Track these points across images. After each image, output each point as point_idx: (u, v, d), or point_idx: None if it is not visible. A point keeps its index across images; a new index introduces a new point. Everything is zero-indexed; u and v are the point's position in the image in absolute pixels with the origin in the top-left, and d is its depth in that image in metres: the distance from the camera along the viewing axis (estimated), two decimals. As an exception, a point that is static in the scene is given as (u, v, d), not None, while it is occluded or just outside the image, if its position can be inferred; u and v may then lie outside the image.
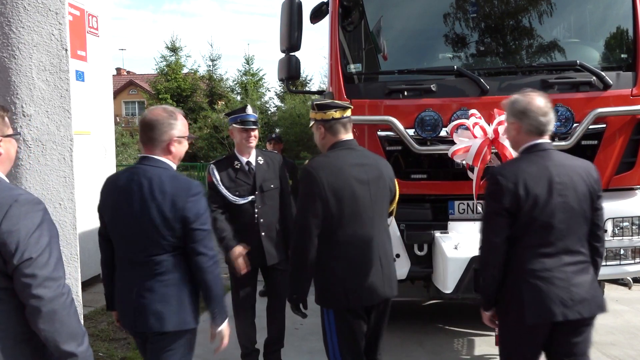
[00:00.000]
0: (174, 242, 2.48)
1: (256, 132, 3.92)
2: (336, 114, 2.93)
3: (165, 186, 2.47)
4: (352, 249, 2.81)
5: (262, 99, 24.70)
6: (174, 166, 2.62)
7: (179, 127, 2.60)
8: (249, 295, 4.00)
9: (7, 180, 2.16)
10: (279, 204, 3.96)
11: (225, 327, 2.68)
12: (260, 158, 3.96)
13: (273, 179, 3.94)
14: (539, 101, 2.64)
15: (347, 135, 2.97)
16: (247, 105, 4.00)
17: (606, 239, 4.12)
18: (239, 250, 3.75)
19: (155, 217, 2.45)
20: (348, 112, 2.98)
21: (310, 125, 3.08)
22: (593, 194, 2.64)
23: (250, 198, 3.85)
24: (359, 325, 2.87)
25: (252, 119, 3.89)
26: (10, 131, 2.16)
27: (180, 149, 2.64)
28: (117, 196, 2.56)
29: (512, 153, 3.88)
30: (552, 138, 4.06)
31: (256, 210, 3.85)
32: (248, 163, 3.92)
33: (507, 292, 2.64)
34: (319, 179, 2.78)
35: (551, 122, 2.65)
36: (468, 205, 4.33)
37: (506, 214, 2.55)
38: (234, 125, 3.91)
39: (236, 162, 3.91)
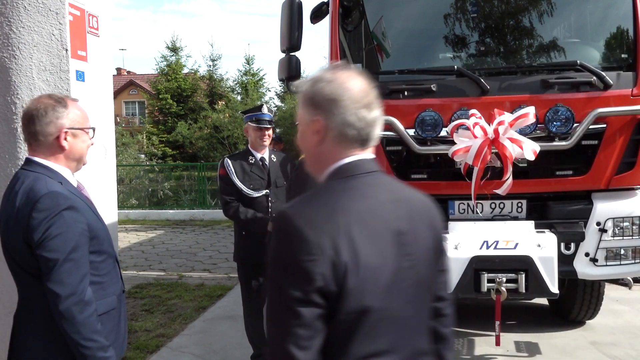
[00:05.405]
0: (30, 269, 1.99)
1: (270, 132, 4.13)
2: None
3: (18, 196, 1.99)
4: None
5: (262, 99, 24.72)
6: (65, 172, 2.11)
7: (71, 116, 2.09)
8: (261, 295, 4.03)
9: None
10: (285, 201, 4.04)
11: None
12: (273, 156, 4.20)
13: (283, 176, 4.14)
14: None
15: None
16: (263, 105, 4.22)
17: (606, 239, 4.13)
18: None
19: (5, 237, 2.03)
20: None
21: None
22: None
23: (264, 192, 4.01)
24: None
25: (267, 119, 4.08)
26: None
27: (77, 144, 2.11)
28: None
29: (512, 153, 3.88)
30: (553, 138, 4.09)
31: (270, 204, 3.98)
32: (262, 159, 4.11)
33: None
34: None
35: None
36: (468, 205, 4.32)
37: None
38: (249, 123, 4.09)
39: (250, 157, 4.11)
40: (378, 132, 1.39)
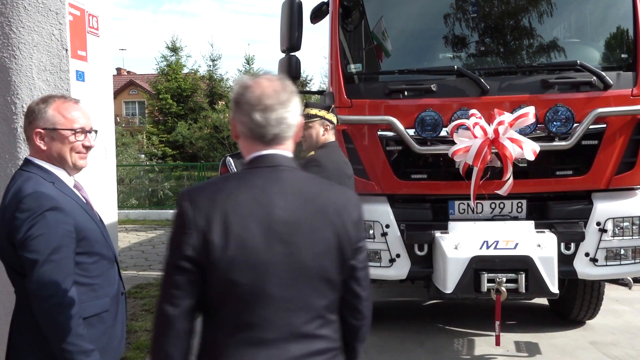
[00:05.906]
0: (18, 269, 1.96)
1: None
2: (334, 119, 3.48)
3: (8, 196, 1.96)
4: None
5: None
6: (59, 172, 2.05)
7: (48, 116, 1.99)
8: None
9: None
10: None
11: None
12: None
13: None
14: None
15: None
16: None
17: (606, 239, 4.13)
18: None
19: None
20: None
21: (312, 120, 3.42)
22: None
23: None
24: None
25: None
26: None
27: (55, 145, 2.01)
28: None
29: (512, 153, 3.89)
30: (553, 138, 4.09)
31: None
32: None
33: None
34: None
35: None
36: (468, 205, 4.32)
37: None
38: None
39: None
40: (283, 132, 1.49)
